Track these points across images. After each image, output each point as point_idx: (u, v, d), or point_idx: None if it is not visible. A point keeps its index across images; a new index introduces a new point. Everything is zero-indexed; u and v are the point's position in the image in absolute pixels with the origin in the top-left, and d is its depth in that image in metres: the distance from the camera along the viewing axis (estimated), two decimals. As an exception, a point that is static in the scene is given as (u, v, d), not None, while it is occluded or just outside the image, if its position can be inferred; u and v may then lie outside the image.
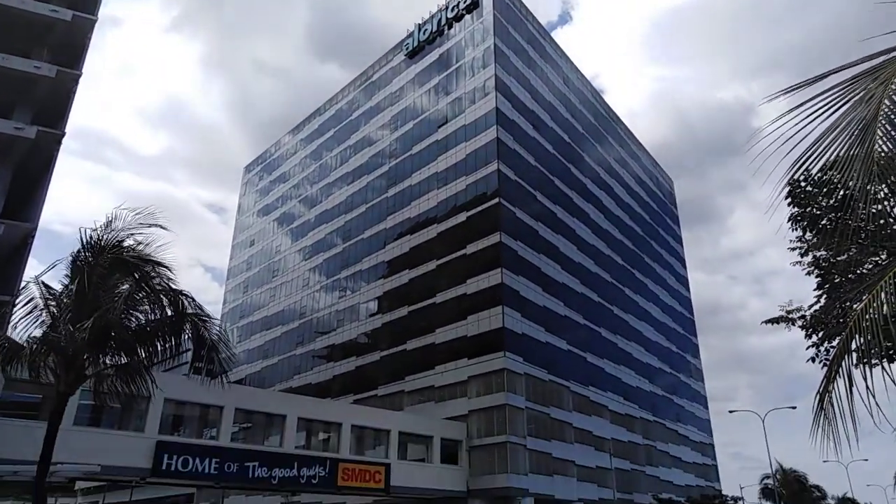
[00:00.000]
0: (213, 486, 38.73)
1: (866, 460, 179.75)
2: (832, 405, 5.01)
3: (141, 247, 13.76)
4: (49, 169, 25.52)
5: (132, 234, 13.74)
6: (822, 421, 5.04)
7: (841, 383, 5.01)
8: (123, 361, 13.27)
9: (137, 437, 32.51)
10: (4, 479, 23.14)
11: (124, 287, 13.40)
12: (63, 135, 26.02)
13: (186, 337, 13.51)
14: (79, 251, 13.40)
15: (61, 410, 13.00)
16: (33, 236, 24.44)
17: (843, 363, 5.13)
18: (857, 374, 5.19)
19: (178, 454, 33.24)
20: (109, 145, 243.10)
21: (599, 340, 66.92)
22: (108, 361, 13.52)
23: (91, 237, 13.33)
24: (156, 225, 13.49)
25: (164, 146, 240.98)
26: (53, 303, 13.03)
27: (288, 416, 40.62)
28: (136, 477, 33.80)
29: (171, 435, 35.32)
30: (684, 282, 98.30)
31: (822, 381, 5.22)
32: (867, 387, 5.06)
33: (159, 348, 13.40)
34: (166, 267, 13.60)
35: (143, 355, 13.24)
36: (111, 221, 13.52)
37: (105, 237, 13.36)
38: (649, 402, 74.21)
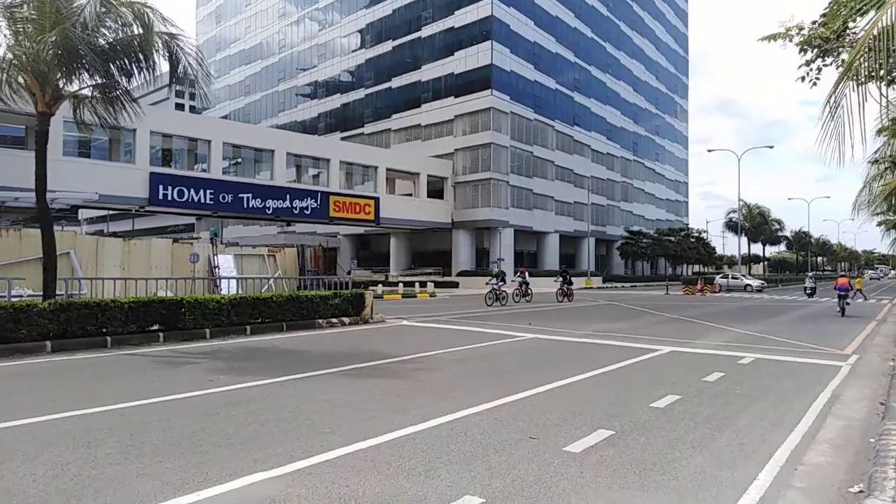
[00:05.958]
0: (209, 215, 40.79)
1: (828, 197, 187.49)
2: (837, 110, 5.06)
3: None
4: None
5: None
6: (828, 121, 5.12)
7: (854, 97, 4.99)
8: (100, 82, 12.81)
9: (130, 169, 33.30)
10: (7, 204, 24.06)
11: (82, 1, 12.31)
12: None
13: (171, 59, 12.78)
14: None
15: (45, 131, 12.92)
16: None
17: (854, 79, 5.06)
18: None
19: (172, 185, 34.41)
20: None
21: (588, 79, 65.43)
22: (85, 82, 13.07)
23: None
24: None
25: None
26: (9, 13, 12.07)
27: (277, 151, 41.28)
28: (134, 206, 35.32)
29: (163, 168, 36.16)
30: (683, 16, 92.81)
31: (835, 84, 5.18)
32: (879, 89, 5.03)
33: (134, 71, 12.83)
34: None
35: (118, 77, 12.72)
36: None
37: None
38: (631, 142, 75.59)
